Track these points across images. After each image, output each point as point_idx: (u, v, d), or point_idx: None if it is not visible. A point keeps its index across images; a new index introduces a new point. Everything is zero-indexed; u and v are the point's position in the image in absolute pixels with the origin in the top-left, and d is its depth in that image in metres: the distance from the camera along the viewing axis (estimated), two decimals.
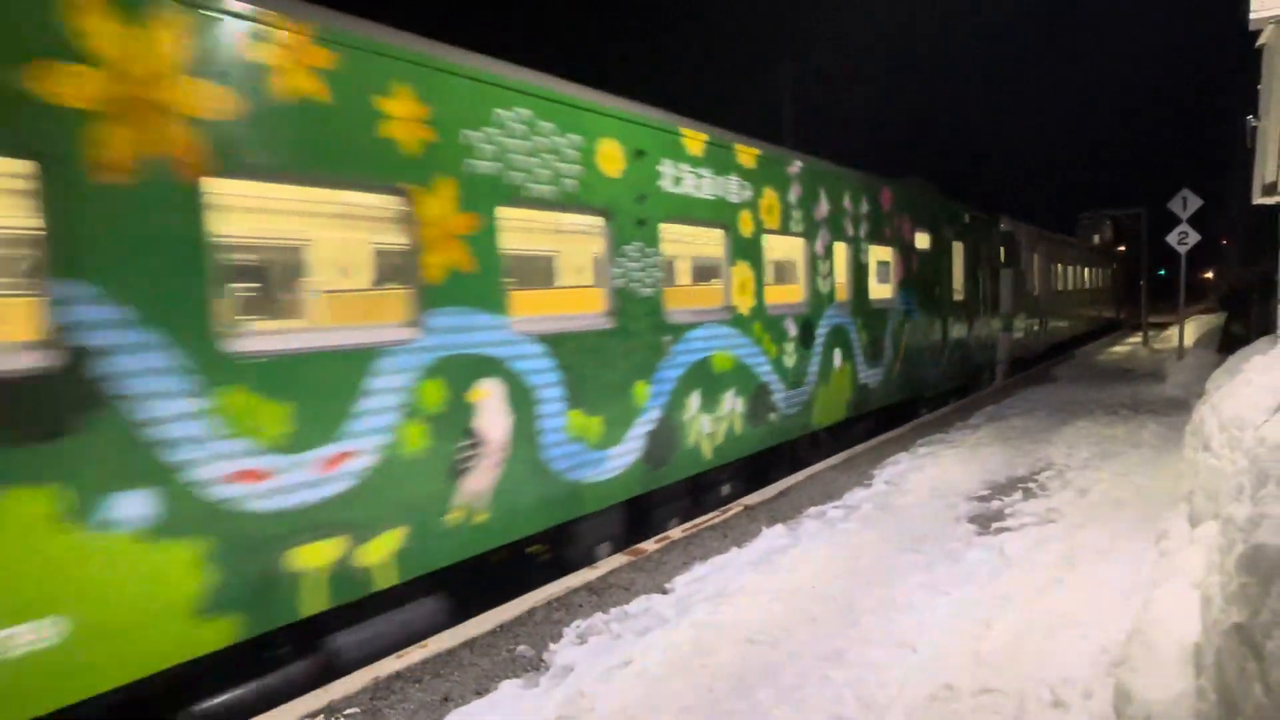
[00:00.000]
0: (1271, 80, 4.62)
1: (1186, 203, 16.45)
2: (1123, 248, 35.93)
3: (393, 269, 4.47)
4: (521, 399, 4.88)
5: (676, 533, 7.03)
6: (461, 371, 4.50)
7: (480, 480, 4.65)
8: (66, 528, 3.23)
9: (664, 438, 6.03)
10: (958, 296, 12.66)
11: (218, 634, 3.66)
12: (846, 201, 8.66)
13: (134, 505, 3.40)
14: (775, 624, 5.10)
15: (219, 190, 3.65)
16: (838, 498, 7.94)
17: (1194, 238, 16.40)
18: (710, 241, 6.72)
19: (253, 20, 3.68)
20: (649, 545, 6.69)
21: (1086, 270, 24.98)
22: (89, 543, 3.28)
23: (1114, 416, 11.97)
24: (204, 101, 3.57)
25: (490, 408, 4.71)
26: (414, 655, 4.82)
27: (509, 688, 4.49)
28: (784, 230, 7.35)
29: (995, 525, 6.84)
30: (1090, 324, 25.40)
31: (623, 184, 5.53)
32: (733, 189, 6.69)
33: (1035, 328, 18.84)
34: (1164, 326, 28.73)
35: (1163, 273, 60.26)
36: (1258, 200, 4.97)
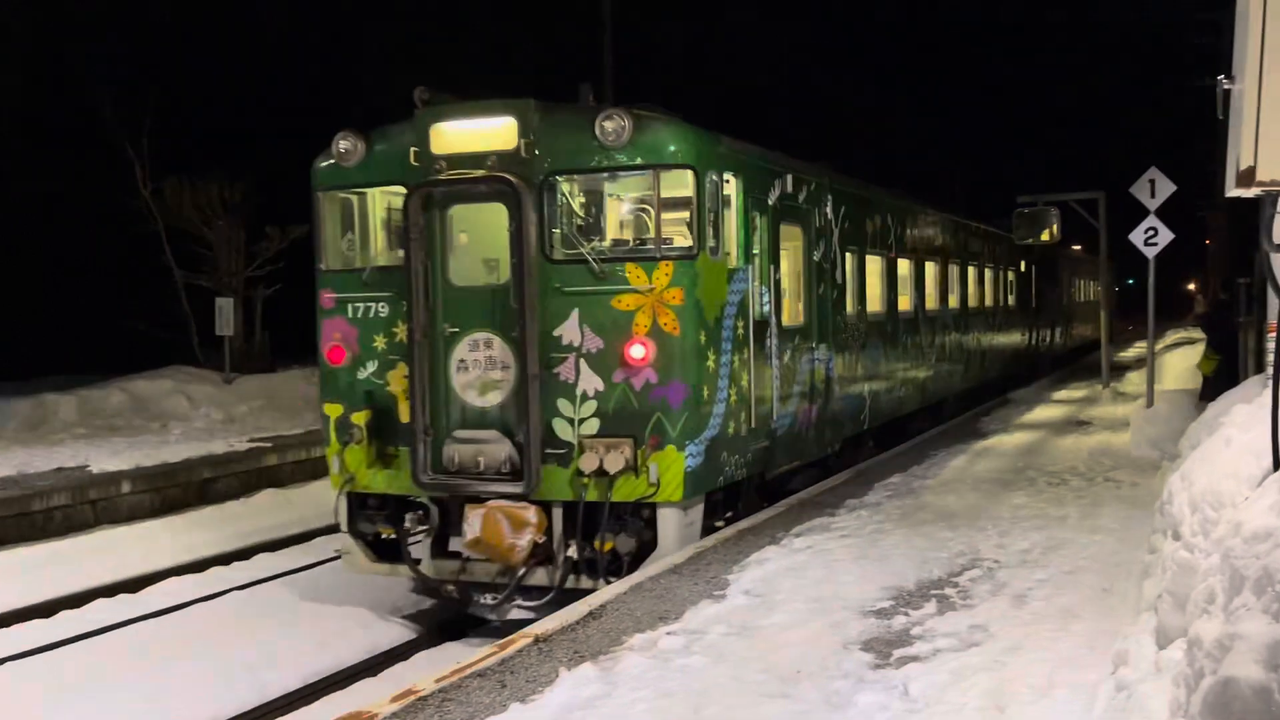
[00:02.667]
0: (1247, 30, 5.10)
1: (1155, 187, 17.98)
2: (1078, 246, 40.37)
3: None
4: None
5: (426, 685, 6.88)
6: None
7: None
8: None
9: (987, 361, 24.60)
10: (1033, 305, 30.04)
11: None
12: (1019, 256, 27.06)
13: None
14: None
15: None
16: (676, 618, 8.08)
17: (1166, 236, 17.94)
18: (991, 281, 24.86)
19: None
20: (382, 708, 6.50)
21: (1090, 283, 42.25)
22: None
23: (1062, 488, 12.89)
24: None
25: None
26: None
27: None
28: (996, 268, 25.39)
29: (898, 653, 7.17)
30: (1094, 331, 41.15)
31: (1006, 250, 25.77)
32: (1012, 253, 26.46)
33: (1063, 331, 36.29)
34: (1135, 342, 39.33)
35: (1132, 282, 65.28)
36: (1231, 192, 5.46)
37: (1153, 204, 17.97)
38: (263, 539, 14.95)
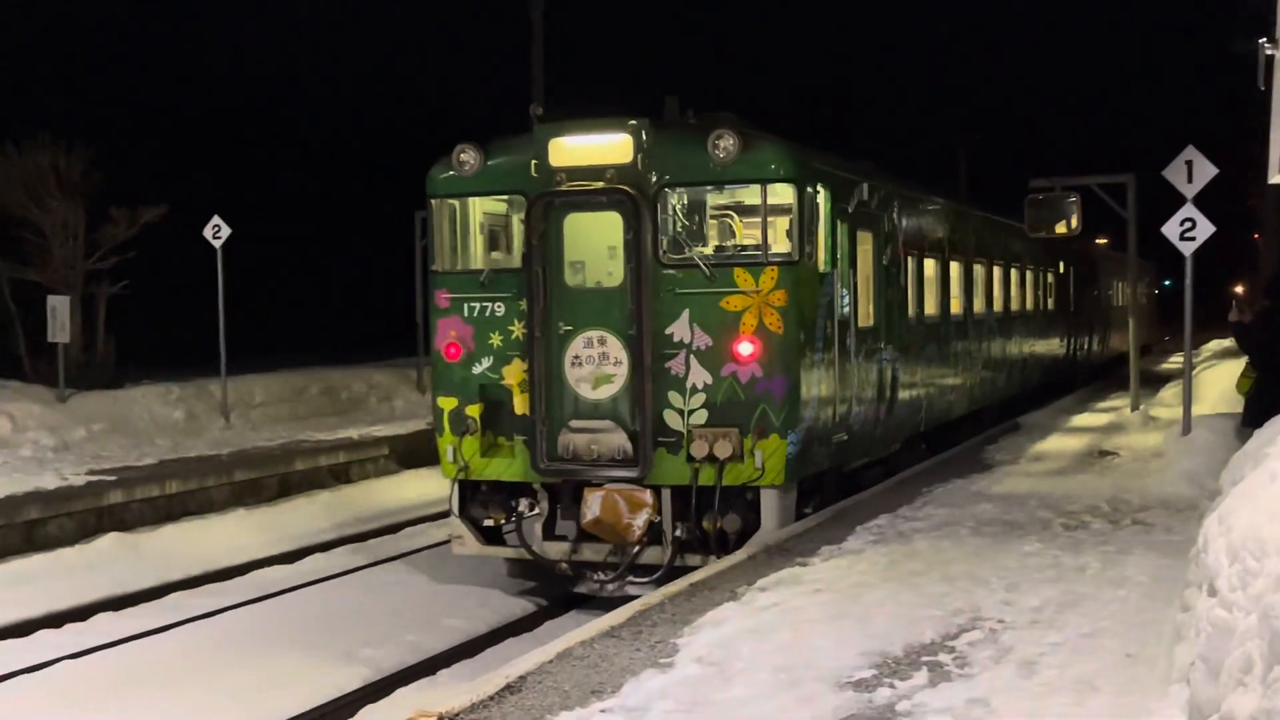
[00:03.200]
0: None
1: (1193, 170, 18.21)
2: (1104, 239, 42.04)
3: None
4: None
5: None
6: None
7: None
8: None
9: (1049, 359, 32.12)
10: (1071, 309, 34.14)
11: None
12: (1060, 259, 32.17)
13: None
14: None
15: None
16: (612, 691, 8.08)
17: (1205, 229, 18.16)
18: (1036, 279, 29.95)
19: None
20: None
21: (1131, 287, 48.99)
22: None
23: (1081, 533, 13.05)
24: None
25: None
26: None
27: None
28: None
29: None
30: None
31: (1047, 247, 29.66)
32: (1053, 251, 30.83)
33: (1101, 339, 39.86)
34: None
35: (1169, 283, 65.81)
36: (1275, 179, 5.48)
37: (1190, 190, 18.12)
38: (104, 594, 14.80)
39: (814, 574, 11.25)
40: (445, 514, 16.28)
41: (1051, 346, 31.16)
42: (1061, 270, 31.78)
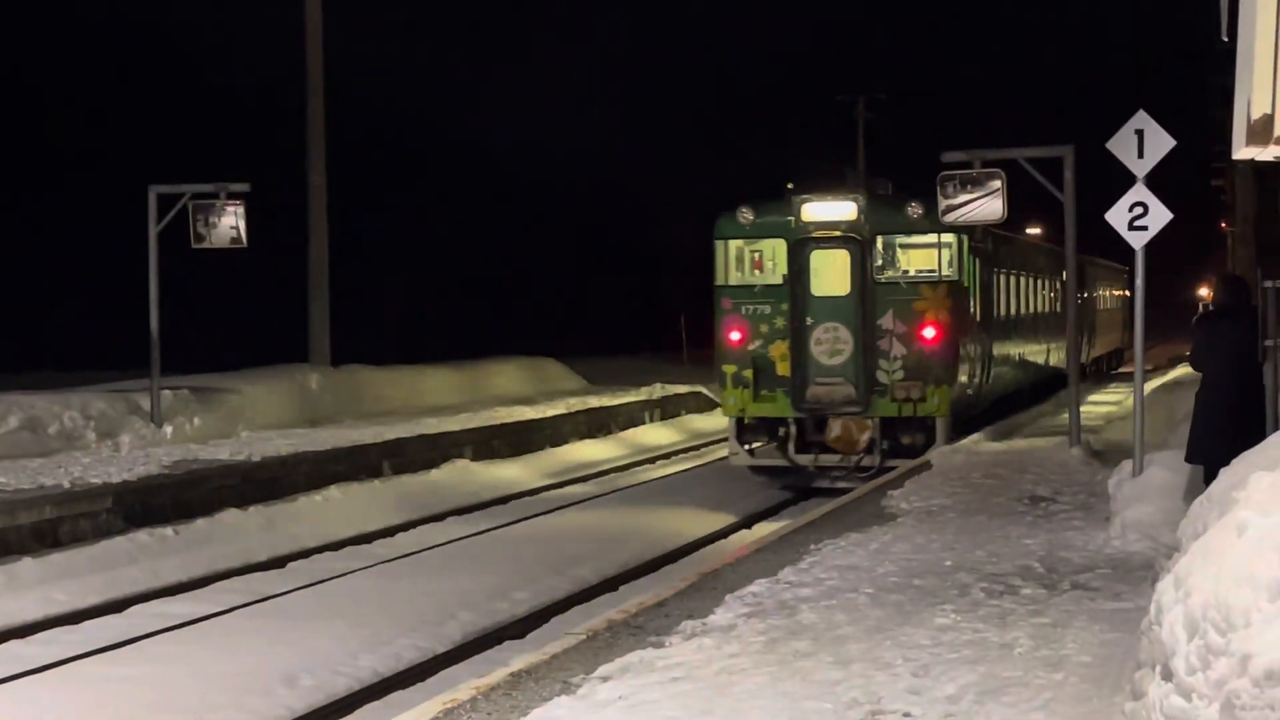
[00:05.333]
0: None
1: (1144, 141, 18.40)
2: (1039, 230, 47.06)
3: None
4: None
5: None
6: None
7: None
8: None
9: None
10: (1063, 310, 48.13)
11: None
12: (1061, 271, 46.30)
13: None
14: None
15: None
16: None
17: (1160, 216, 18.35)
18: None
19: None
20: None
21: (1111, 291, 63.34)
22: None
23: (1008, 600, 13.26)
24: None
25: None
26: None
27: None
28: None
29: None
30: (1109, 345, 62.72)
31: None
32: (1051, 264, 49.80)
33: (1088, 341, 53.22)
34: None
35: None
36: (1241, 151, 5.62)
37: (1141, 167, 18.09)
38: None
39: (671, 657, 11.23)
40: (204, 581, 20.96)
41: (1059, 344, 45.52)
42: (1064, 277, 45.71)
